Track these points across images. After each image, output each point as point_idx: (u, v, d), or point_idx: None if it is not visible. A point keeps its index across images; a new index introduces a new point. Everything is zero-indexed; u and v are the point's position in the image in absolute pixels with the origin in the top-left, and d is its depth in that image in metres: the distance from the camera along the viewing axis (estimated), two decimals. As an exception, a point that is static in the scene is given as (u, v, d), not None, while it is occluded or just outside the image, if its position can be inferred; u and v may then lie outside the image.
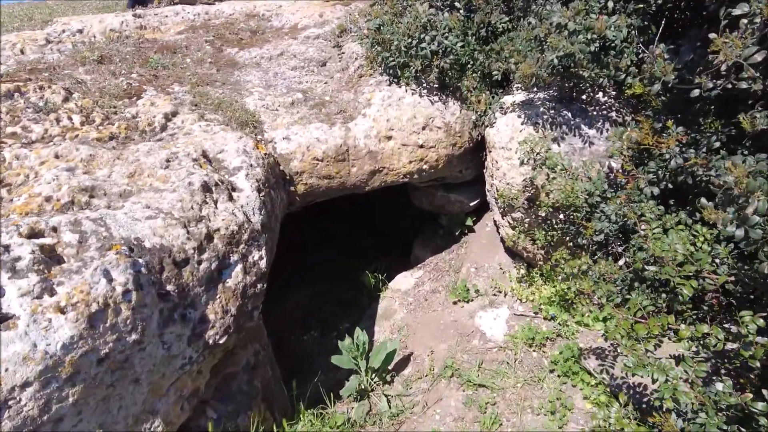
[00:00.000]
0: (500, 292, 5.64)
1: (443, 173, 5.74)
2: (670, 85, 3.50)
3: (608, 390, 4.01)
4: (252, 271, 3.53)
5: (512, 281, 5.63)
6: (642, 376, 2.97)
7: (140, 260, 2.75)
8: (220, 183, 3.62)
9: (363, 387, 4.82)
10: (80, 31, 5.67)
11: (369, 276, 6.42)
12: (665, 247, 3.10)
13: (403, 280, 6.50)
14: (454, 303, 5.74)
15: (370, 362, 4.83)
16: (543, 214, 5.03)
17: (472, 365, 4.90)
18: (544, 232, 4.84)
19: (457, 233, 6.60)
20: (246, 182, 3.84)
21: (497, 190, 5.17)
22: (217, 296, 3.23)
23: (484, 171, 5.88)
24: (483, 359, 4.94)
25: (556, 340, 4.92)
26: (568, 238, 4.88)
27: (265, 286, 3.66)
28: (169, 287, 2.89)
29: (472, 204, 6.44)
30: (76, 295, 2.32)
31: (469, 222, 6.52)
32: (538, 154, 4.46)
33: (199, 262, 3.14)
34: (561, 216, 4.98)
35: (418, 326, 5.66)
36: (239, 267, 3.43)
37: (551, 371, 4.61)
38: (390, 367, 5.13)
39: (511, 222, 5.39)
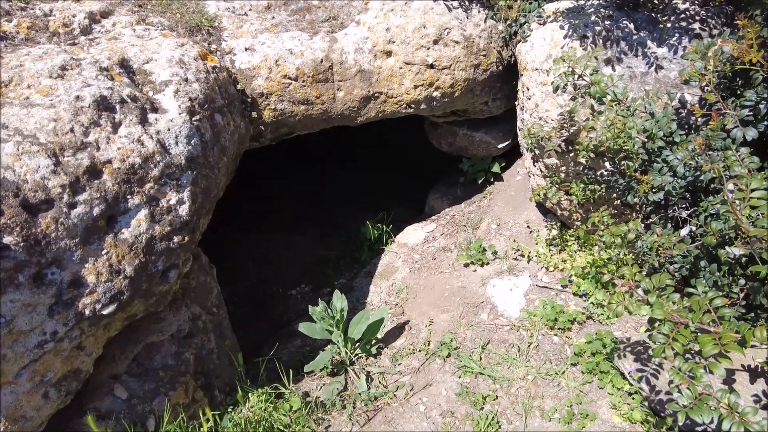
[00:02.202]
0: (523, 256, 4.57)
1: (462, 104, 4.58)
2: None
3: (646, 404, 2.97)
4: (164, 220, 2.66)
5: (540, 244, 4.53)
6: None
7: (-46, 200, 1.92)
8: (129, 100, 2.70)
9: (341, 359, 4.01)
10: None
11: (370, 227, 5.47)
12: (764, 221, 1.93)
13: (413, 234, 5.53)
14: (466, 265, 4.74)
15: (350, 332, 3.99)
16: (583, 161, 3.84)
17: (475, 345, 3.96)
18: (582, 186, 3.67)
19: (480, 181, 5.48)
20: (173, 101, 2.90)
21: (527, 127, 3.98)
22: (103, 251, 2.39)
23: (516, 103, 4.65)
24: (489, 339, 3.99)
25: (585, 323, 3.87)
26: (615, 195, 3.69)
27: (188, 239, 2.80)
28: (10, 239, 2.06)
29: (501, 146, 5.26)
30: None
31: (495, 168, 5.37)
32: (580, 77, 3.22)
33: (72, 206, 2.29)
34: (607, 165, 3.78)
35: (420, 290, 4.73)
36: (143, 213, 2.56)
37: (574, 364, 3.60)
38: (380, 336, 4.28)
39: (543, 170, 4.22)
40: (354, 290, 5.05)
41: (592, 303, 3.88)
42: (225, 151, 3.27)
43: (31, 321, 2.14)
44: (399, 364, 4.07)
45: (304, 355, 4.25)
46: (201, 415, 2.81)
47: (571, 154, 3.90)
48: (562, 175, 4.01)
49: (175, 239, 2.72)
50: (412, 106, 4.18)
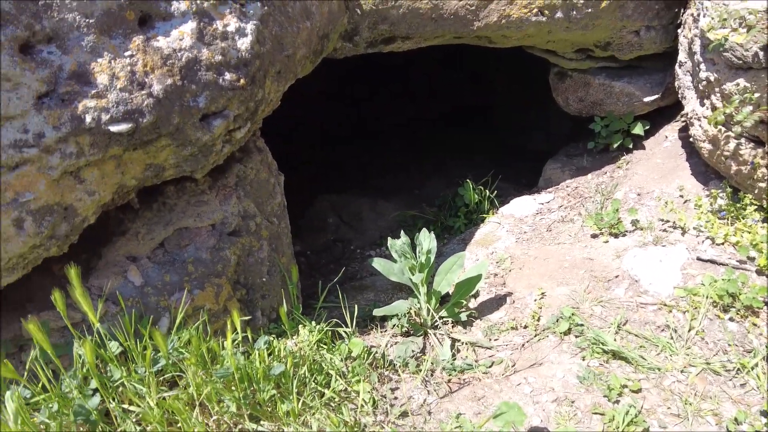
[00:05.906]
0: (676, 227, 3.41)
1: (607, 29, 3.62)
2: None
3: None
4: (216, 45, 2.02)
5: (702, 211, 3.35)
6: None
7: None
8: None
9: (420, 322, 3.11)
10: None
11: (470, 188, 4.58)
12: None
13: (521, 204, 4.54)
14: (594, 236, 3.66)
15: (435, 284, 3.10)
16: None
17: (606, 324, 2.87)
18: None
19: (615, 146, 4.40)
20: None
21: (703, 32, 2.93)
22: (127, 53, 1.78)
23: (680, 30, 3.60)
24: (628, 318, 2.88)
25: (784, 308, 2.64)
26: None
27: (244, 83, 2.13)
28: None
29: (648, 99, 4.18)
30: None
31: (638, 129, 4.27)
32: None
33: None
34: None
35: (529, 260, 3.71)
36: (189, 26, 1.95)
37: (770, 359, 2.40)
38: (472, 306, 3.34)
39: (718, 103, 3.11)
40: (443, 256, 4.10)
41: (795, 281, 2.66)
42: (309, 14, 2.62)
43: (9, 105, 1.55)
44: (495, 340, 3.08)
45: (377, 308, 3.41)
46: (229, 326, 2.05)
47: (771, 74, 2.78)
48: (752, 102, 2.87)
49: (227, 76, 2.06)
50: (546, 12, 3.31)
